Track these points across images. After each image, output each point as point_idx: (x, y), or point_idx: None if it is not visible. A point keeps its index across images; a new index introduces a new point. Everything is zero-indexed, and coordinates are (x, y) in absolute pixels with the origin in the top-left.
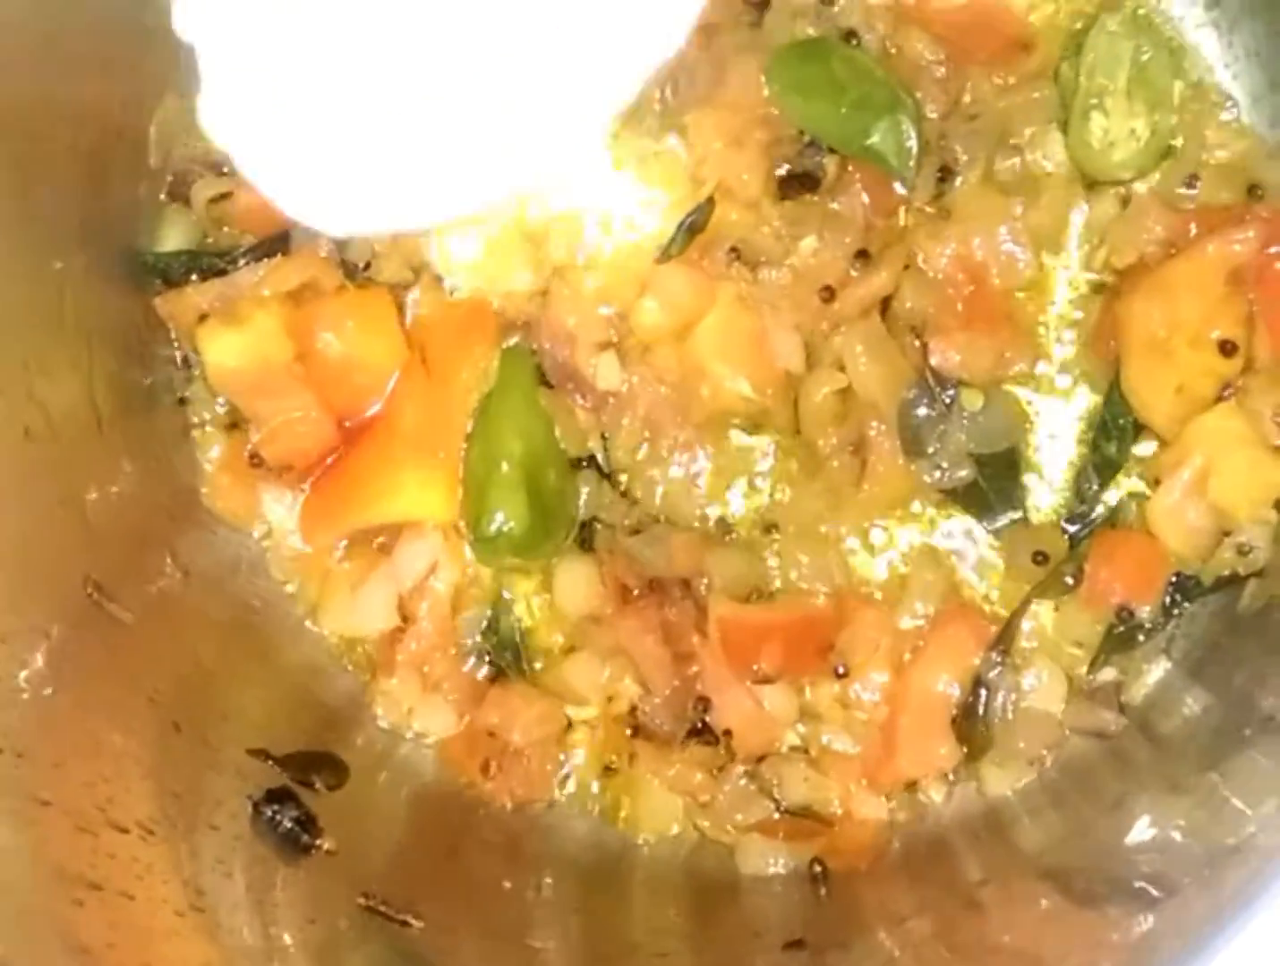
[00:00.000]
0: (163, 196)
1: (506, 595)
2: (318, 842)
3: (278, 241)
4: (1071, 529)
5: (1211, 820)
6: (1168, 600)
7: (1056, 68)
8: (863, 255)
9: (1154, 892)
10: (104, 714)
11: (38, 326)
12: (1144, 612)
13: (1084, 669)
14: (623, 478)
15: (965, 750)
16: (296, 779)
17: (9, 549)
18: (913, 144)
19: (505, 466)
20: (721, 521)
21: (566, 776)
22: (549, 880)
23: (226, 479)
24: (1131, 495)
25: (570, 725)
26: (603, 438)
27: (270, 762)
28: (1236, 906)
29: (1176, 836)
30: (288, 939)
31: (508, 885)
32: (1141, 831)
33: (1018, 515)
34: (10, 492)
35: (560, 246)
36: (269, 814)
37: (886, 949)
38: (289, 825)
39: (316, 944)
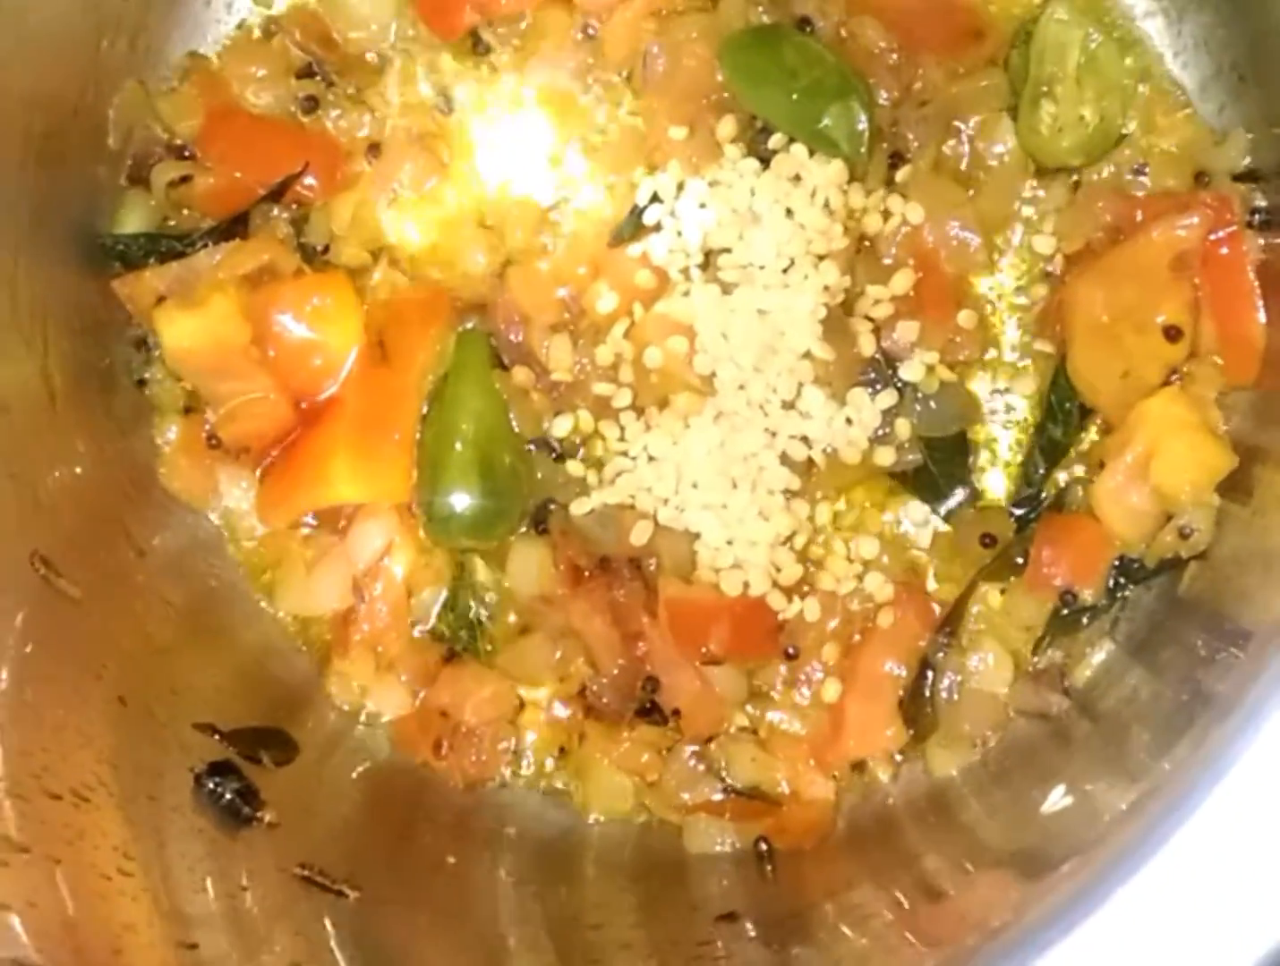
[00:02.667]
0: (122, 180)
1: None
2: (259, 815)
3: (236, 225)
4: (1019, 512)
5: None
6: (1111, 583)
7: (1007, 56)
8: None
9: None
10: (47, 686)
11: None
12: (1088, 595)
13: (1029, 651)
14: (575, 459)
15: (911, 731)
16: (244, 754)
17: None
18: (864, 129)
19: (459, 447)
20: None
21: (518, 756)
22: (498, 857)
23: (184, 460)
24: (1077, 479)
25: (522, 705)
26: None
27: (217, 737)
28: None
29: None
30: (214, 905)
31: (452, 860)
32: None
33: (966, 498)
34: None
35: (515, 230)
36: (210, 785)
37: (836, 925)
38: (230, 797)
39: (243, 910)
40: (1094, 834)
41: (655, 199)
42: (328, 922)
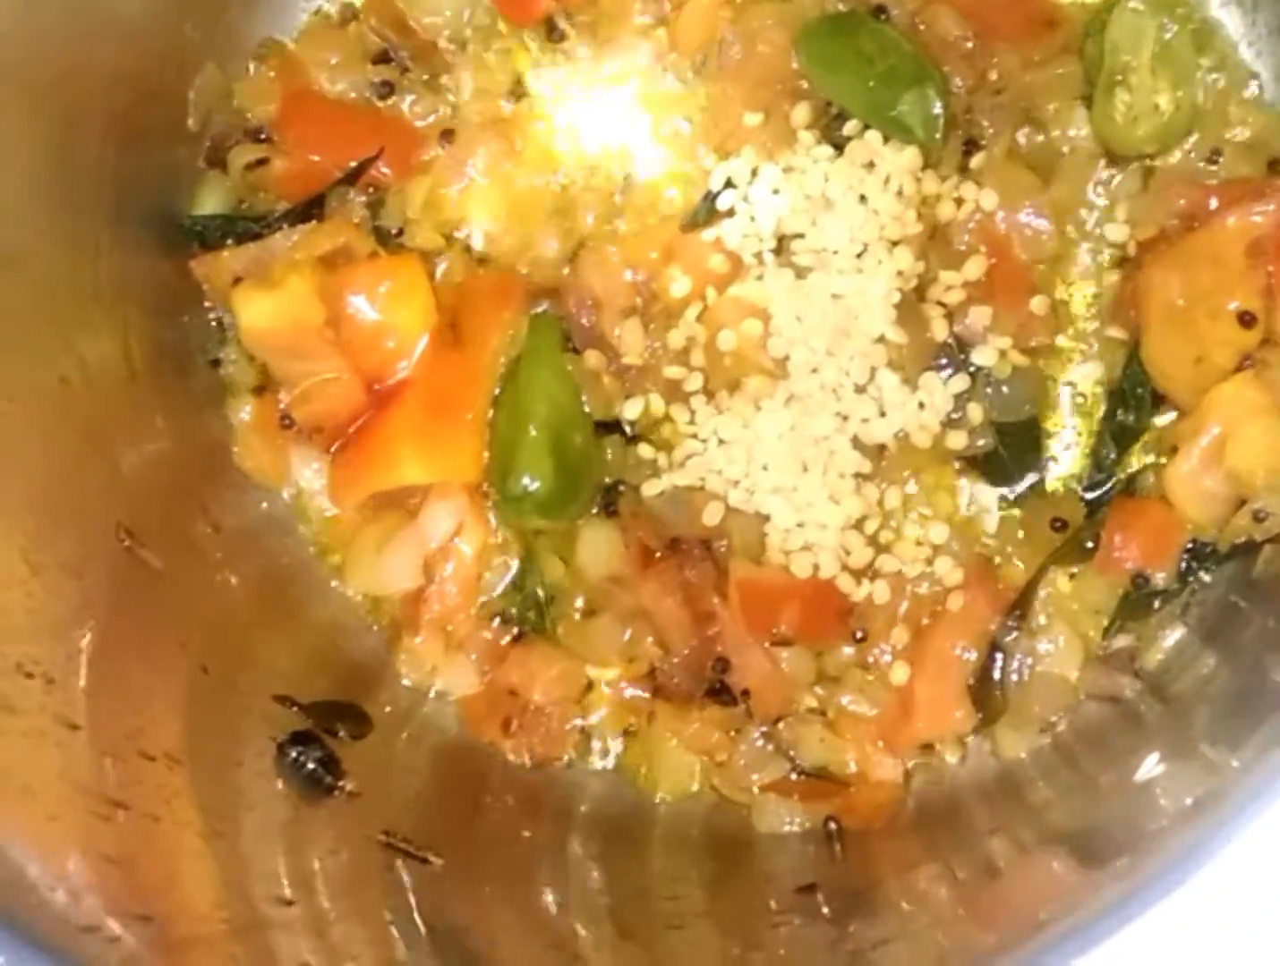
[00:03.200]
0: (200, 162)
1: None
2: (340, 784)
3: (312, 207)
4: (1090, 497)
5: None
6: (1184, 567)
7: (1081, 44)
8: None
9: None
10: (134, 652)
11: (75, 284)
12: (1160, 579)
13: (1099, 634)
14: (646, 442)
15: (980, 714)
16: (321, 726)
17: (41, 488)
18: (939, 115)
19: (533, 429)
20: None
21: (586, 735)
22: (567, 832)
23: (257, 439)
24: (1149, 464)
25: (591, 685)
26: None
27: (295, 709)
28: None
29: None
30: (308, 866)
31: (527, 834)
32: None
33: (1037, 483)
34: (45, 436)
35: (587, 215)
36: (293, 755)
37: (898, 904)
38: (312, 766)
39: (336, 873)
40: (1156, 826)
41: (729, 184)
42: (414, 888)
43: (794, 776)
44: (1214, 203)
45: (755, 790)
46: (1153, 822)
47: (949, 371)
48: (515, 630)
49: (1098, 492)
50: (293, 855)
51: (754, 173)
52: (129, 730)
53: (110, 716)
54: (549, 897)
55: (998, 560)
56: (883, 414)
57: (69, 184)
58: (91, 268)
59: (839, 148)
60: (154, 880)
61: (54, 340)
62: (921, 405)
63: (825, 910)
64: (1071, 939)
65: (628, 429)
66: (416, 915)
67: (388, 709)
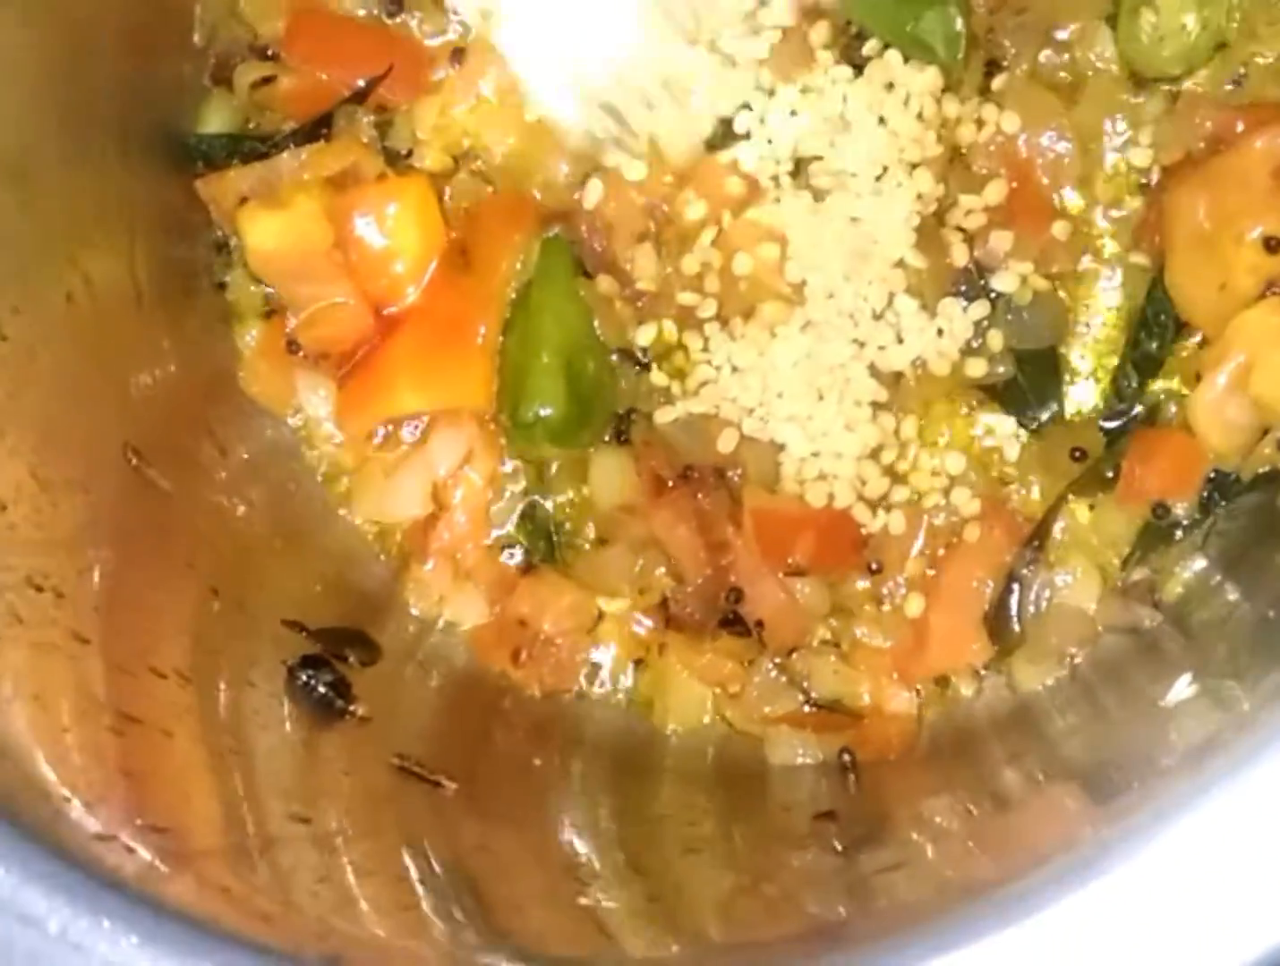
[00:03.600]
0: (206, 80)
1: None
2: (352, 708)
3: (319, 127)
4: (1110, 426)
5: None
6: (1205, 497)
7: None
8: None
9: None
10: (143, 571)
11: (81, 200)
12: (1181, 509)
13: (1118, 566)
14: (659, 369)
15: (996, 646)
16: (330, 652)
17: (48, 406)
18: (961, 34)
19: (544, 355)
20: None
21: (597, 666)
22: (578, 763)
23: (263, 364)
24: (1171, 393)
25: (602, 616)
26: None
27: (305, 634)
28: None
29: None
30: (322, 786)
31: (538, 763)
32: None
33: (1056, 412)
34: (51, 353)
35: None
36: (304, 678)
37: (907, 834)
38: (323, 690)
39: (352, 793)
40: (1166, 763)
41: (745, 105)
42: (430, 810)
43: (807, 708)
44: (1240, 126)
45: (768, 721)
46: (1164, 758)
47: (968, 298)
48: (525, 560)
49: (1118, 422)
50: (307, 774)
51: (770, 93)
52: (139, 647)
53: (120, 632)
54: (560, 824)
55: (1016, 490)
56: (900, 341)
57: (76, 98)
58: (97, 184)
59: (858, 68)
60: (168, 794)
61: (58, 256)
62: (940, 332)
63: (836, 841)
64: (1070, 873)
65: (641, 355)
66: (428, 839)
67: (396, 638)
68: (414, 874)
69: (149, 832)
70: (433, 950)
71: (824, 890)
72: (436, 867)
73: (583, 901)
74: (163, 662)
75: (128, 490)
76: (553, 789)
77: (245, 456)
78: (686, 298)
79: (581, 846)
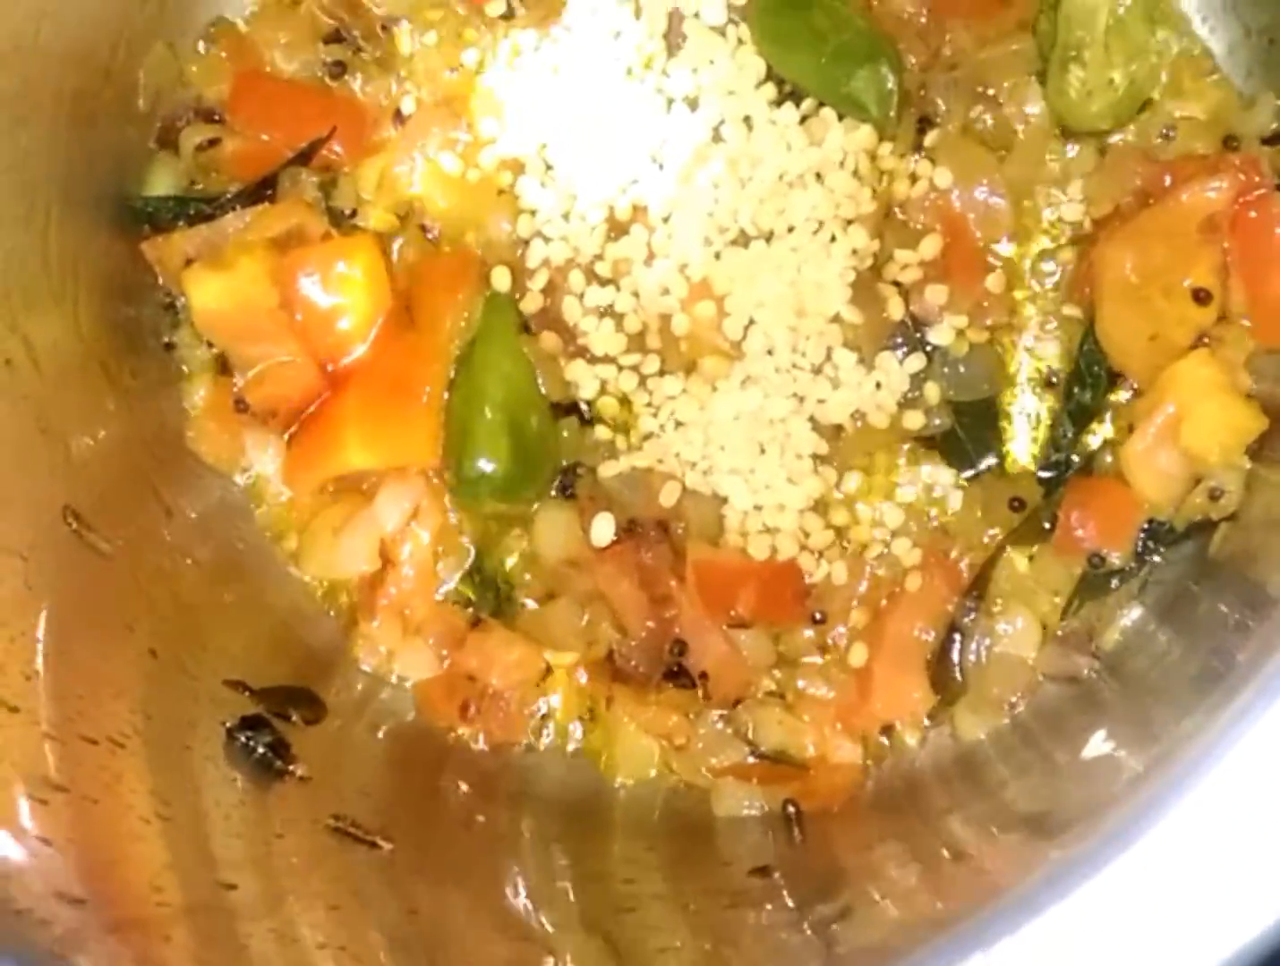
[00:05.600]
0: (151, 143)
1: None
2: (291, 768)
3: (264, 188)
4: (1047, 476)
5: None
6: (1140, 546)
7: (1035, 20)
8: None
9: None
10: (80, 636)
11: (23, 264)
12: (1116, 558)
13: (1057, 615)
14: (602, 423)
15: (939, 695)
16: (273, 711)
17: None
18: (893, 91)
19: (488, 412)
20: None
21: (545, 719)
22: (525, 817)
23: (211, 423)
24: (1106, 442)
25: (549, 669)
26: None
27: (247, 694)
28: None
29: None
30: (250, 850)
31: (481, 819)
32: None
33: (994, 463)
34: None
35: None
36: (243, 739)
37: (862, 884)
38: (262, 750)
39: (283, 857)
40: (1109, 795)
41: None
42: (362, 874)
43: (752, 759)
44: (1169, 179)
45: (714, 773)
46: (1106, 792)
47: (905, 351)
48: (473, 614)
49: (1055, 472)
50: (238, 838)
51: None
52: (71, 713)
53: (53, 698)
54: (506, 881)
55: (955, 541)
56: (839, 394)
57: (18, 164)
58: (40, 249)
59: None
60: (90, 863)
61: None
62: (878, 385)
63: (785, 892)
64: (1023, 904)
65: (585, 410)
66: (365, 902)
67: (344, 694)
68: (348, 935)
69: (67, 904)
70: None
71: (782, 945)
72: (374, 930)
73: (532, 962)
74: (94, 729)
75: (66, 555)
76: (501, 846)
77: (193, 516)
78: (629, 357)
79: (531, 904)
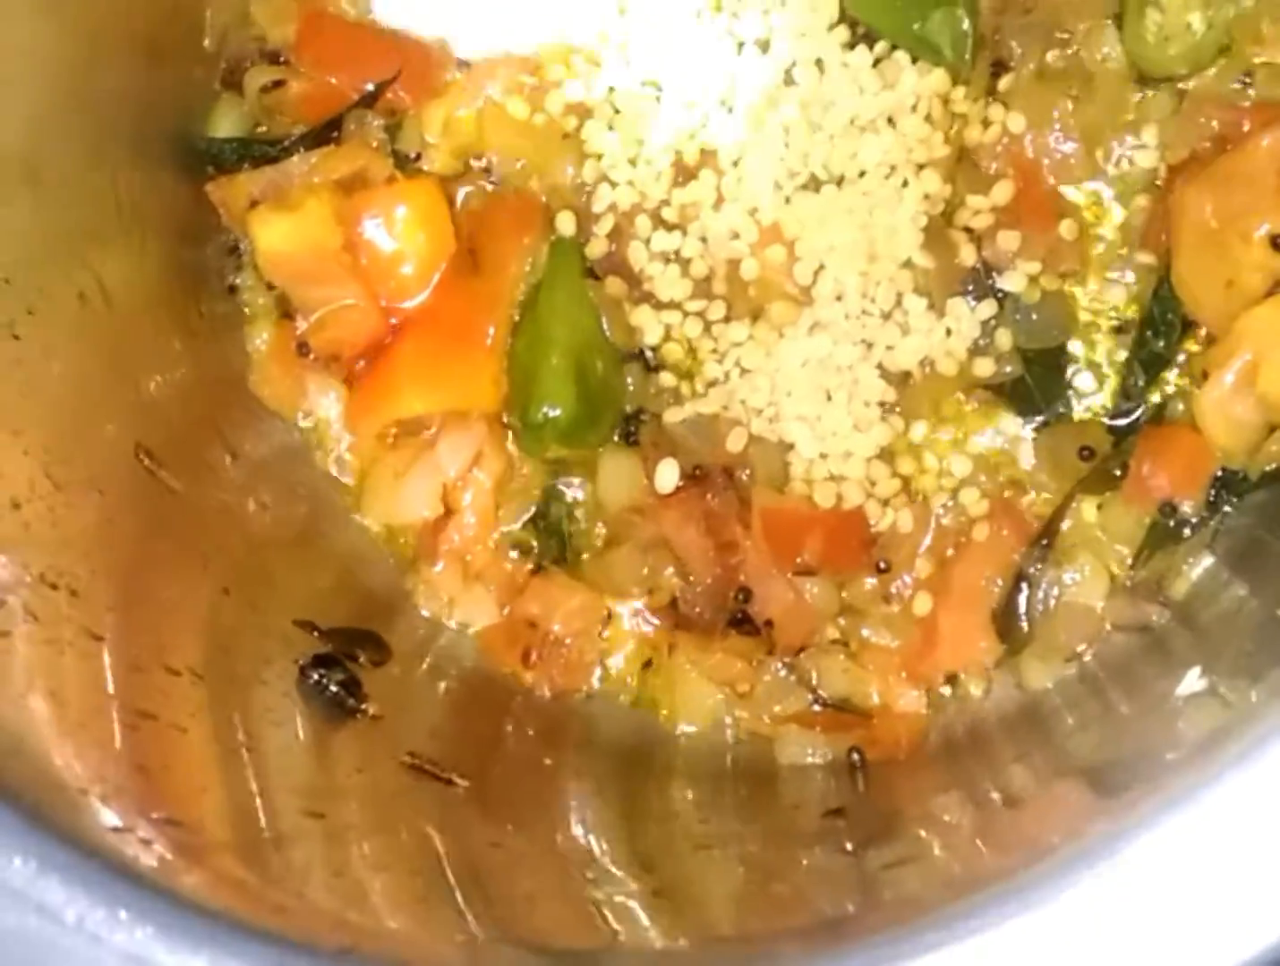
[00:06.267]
0: (216, 84)
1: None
2: (363, 707)
3: (329, 130)
4: (1118, 424)
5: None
6: (1212, 495)
7: None
8: None
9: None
10: (156, 571)
11: (92, 201)
12: (1188, 507)
13: (1126, 564)
14: (667, 370)
15: (1005, 644)
16: (341, 651)
17: (62, 405)
18: (967, 35)
19: (553, 356)
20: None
21: (607, 666)
22: (588, 762)
23: (274, 367)
24: (1178, 391)
25: (611, 616)
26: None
27: (316, 634)
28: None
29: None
30: (335, 783)
31: (548, 762)
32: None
33: (1064, 412)
34: (64, 353)
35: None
36: (315, 677)
37: (919, 833)
38: (335, 689)
39: (364, 789)
40: (1173, 757)
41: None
42: (443, 807)
43: (816, 707)
44: (1246, 125)
45: (778, 721)
46: (1170, 753)
47: (976, 297)
48: (535, 561)
49: (1126, 421)
50: (319, 771)
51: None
52: (153, 645)
53: (134, 630)
54: (570, 822)
55: (1024, 489)
56: (908, 340)
57: (87, 101)
58: (110, 185)
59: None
60: (183, 788)
61: (71, 256)
62: (948, 331)
63: (846, 840)
64: (1075, 864)
65: (649, 356)
66: (439, 836)
67: (407, 638)
68: (425, 869)
69: (164, 826)
70: (444, 942)
71: (832, 886)
72: (447, 863)
73: (593, 896)
74: (176, 660)
75: (140, 490)
76: (563, 788)
77: (256, 458)
78: (694, 305)
79: (591, 843)
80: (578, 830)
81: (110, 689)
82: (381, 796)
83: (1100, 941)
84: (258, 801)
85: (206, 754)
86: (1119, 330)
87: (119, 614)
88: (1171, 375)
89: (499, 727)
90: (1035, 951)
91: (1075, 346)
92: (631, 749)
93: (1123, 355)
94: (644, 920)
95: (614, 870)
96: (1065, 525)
